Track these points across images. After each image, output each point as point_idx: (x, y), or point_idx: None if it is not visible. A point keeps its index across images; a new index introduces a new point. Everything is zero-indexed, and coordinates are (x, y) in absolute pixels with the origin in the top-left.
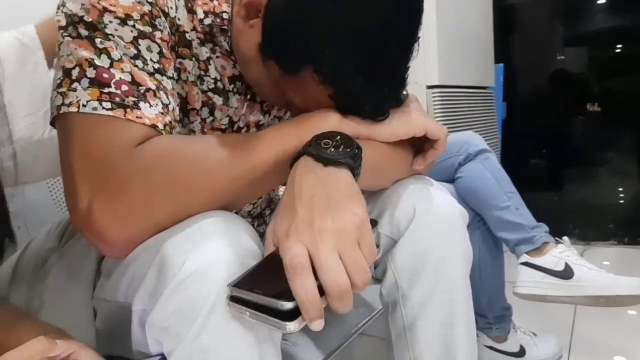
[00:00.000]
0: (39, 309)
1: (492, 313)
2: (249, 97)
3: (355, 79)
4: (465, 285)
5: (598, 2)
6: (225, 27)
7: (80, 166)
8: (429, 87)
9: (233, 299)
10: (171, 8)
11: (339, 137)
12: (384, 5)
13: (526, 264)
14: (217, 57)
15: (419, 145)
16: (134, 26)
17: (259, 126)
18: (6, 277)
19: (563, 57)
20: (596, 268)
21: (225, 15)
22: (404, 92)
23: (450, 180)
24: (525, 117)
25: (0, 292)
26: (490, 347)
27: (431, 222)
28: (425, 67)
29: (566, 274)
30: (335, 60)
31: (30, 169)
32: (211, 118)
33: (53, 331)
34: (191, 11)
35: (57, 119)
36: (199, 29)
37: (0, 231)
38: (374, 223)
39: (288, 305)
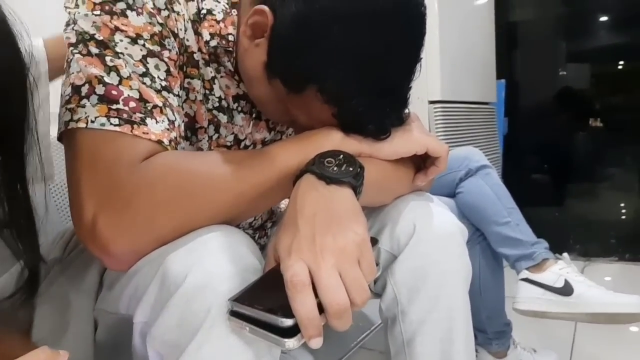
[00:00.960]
0: (40, 319)
1: (492, 328)
2: (254, 115)
3: (359, 99)
4: (465, 301)
5: (600, 19)
6: (230, 49)
7: (87, 180)
8: (431, 102)
9: (233, 313)
10: (180, 29)
11: (341, 155)
12: (388, 27)
13: (526, 280)
14: (221, 76)
15: (420, 161)
16: (143, 45)
17: (264, 143)
18: (9, 286)
19: (565, 73)
20: (596, 285)
21: (230, 38)
22: (406, 111)
23: (451, 195)
24: (527, 132)
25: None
26: None
27: (431, 239)
28: (428, 83)
29: (566, 290)
30: (339, 80)
31: None
32: (217, 135)
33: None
34: (197, 33)
35: (65, 135)
36: (205, 50)
37: (33, 257)
38: (374, 242)
39: (288, 322)
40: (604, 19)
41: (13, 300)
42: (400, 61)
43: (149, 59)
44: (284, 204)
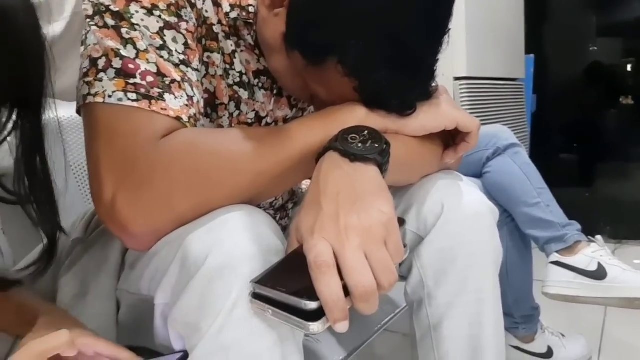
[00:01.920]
0: (62, 299)
1: (519, 312)
2: (275, 92)
3: (381, 71)
4: (495, 284)
5: None
6: (250, 20)
7: (105, 157)
8: (457, 78)
9: (256, 296)
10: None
11: (366, 131)
12: None
13: (557, 263)
14: (241, 50)
15: (449, 138)
16: (160, 17)
17: (286, 121)
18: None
19: (596, 48)
20: (631, 269)
21: (251, 9)
22: (433, 84)
23: (478, 175)
24: (556, 110)
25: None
26: (517, 348)
27: (460, 219)
28: (453, 58)
29: (599, 274)
30: (360, 51)
31: None
32: (237, 112)
33: (71, 322)
34: (217, 4)
35: (83, 108)
36: (224, 22)
37: (52, 226)
38: (401, 222)
39: (312, 305)
40: None
41: (33, 270)
42: (426, 31)
43: (166, 31)
44: (305, 184)
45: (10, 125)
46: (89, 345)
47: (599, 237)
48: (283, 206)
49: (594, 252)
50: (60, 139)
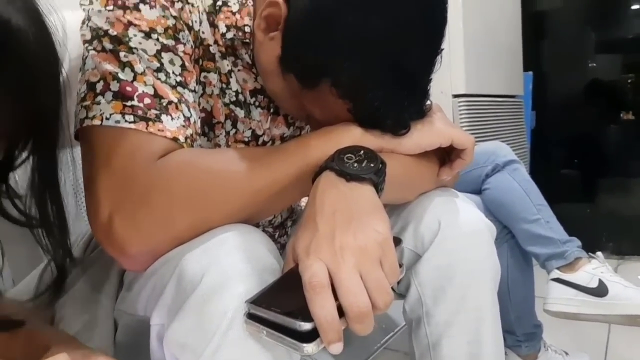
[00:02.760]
0: (60, 320)
1: (521, 330)
2: (272, 110)
3: (374, 93)
4: (493, 302)
5: (632, 7)
6: (247, 40)
7: (102, 178)
8: (455, 96)
9: (250, 316)
10: (195, 22)
11: (362, 151)
12: (406, 17)
13: (557, 280)
14: (238, 70)
15: (445, 155)
16: (157, 39)
17: (283, 139)
18: (32, 287)
19: (595, 65)
20: (632, 285)
21: (247, 29)
22: (428, 102)
23: (477, 191)
24: (556, 126)
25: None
26: None
27: (457, 236)
28: (452, 76)
29: (600, 291)
30: (353, 73)
31: None
32: (234, 130)
33: (70, 342)
34: (213, 25)
35: (81, 132)
36: (221, 43)
37: (62, 255)
38: (397, 241)
39: (306, 326)
40: (635, 7)
41: (40, 300)
42: (418, 52)
43: (163, 54)
44: (304, 202)
45: (24, 154)
46: None
47: (599, 253)
48: (282, 224)
49: (595, 268)
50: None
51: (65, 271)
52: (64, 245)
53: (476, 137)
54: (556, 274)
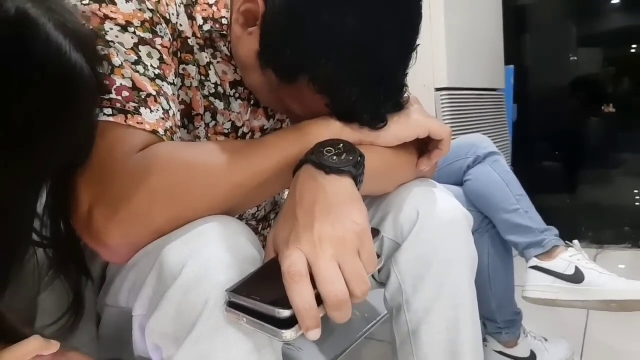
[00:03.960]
0: (43, 314)
1: (502, 318)
2: (252, 102)
3: (351, 88)
4: (471, 289)
5: (612, 1)
6: (225, 32)
7: (81, 172)
8: (438, 89)
9: (231, 304)
10: (172, 14)
11: (341, 144)
12: (381, 14)
13: (536, 267)
14: (218, 62)
15: (423, 147)
16: (134, 33)
17: (263, 131)
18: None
19: (576, 58)
20: (607, 272)
21: (224, 21)
22: (405, 95)
23: (459, 183)
24: (537, 119)
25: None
26: (500, 353)
27: (435, 226)
28: (434, 70)
29: (576, 278)
30: (331, 69)
31: None
32: (214, 122)
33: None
34: (191, 17)
35: None
36: (199, 35)
37: (77, 281)
38: (375, 232)
39: (285, 313)
40: (615, 1)
41: (59, 324)
42: (393, 48)
43: (141, 47)
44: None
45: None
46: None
47: (576, 242)
48: (265, 217)
49: (572, 256)
50: None
51: (82, 296)
52: (79, 270)
53: (458, 130)
54: (534, 262)
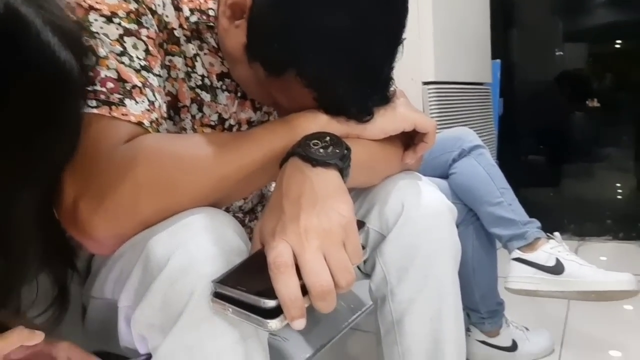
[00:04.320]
0: (28, 306)
1: (485, 308)
2: (239, 94)
3: (338, 82)
4: (454, 280)
5: None
6: (211, 24)
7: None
8: (425, 83)
9: (217, 295)
10: (158, 5)
11: (328, 137)
12: (367, 8)
13: (518, 259)
14: (204, 54)
15: (409, 140)
16: (119, 24)
17: (250, 124)
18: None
19: (562, 53)
20: (587, 264)
21: (211, 12)
22: (392, 88)
23: (445, 176)
24: (523, 113)
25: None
26: (483, 342)
27: (419, 218)
28: (421, 64)
29: (557, 269)
30: (318, 63)
31: None
32: (200, 114)
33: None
34: (177, 8)
35: None
36: (185, 26)
37: (62, 274)
38: (361, 225)
39: (270, 303)
40: None
41: (45, 317)
42: (380, 42)
43: (126, 38)
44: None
45: None
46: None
47: (557, 234)
48: (252, 209)
49: (552, 248)
50: None
51: (66, 289)
52: (65, 260)
53: (445, 124)
54: (517, 253)
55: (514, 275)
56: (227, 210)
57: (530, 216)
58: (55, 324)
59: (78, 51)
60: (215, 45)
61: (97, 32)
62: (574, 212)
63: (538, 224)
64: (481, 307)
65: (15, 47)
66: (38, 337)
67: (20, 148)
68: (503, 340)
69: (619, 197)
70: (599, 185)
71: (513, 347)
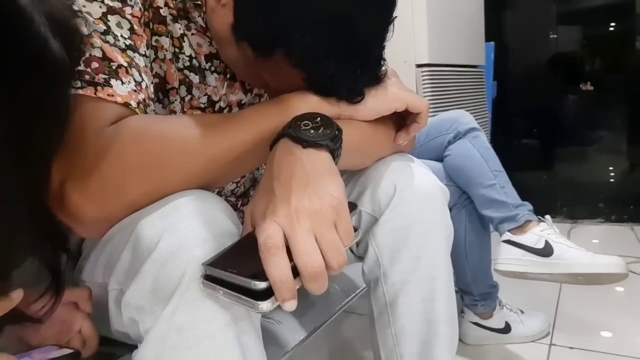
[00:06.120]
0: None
1: (477, 290)
2: (228, 76)
3: (327, 62)
4: (446, 261)
5: None
6: (199, 2)
7: None
8: (419, 65)
9: (207, 277)
10: None
11: (319, 118)
12: None
13: (508, 241)
14: (192, 34)
15: (401, 121)
16: (102, 2)
17: (241, 106)
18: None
19: (555, 36)
20: (576, 246)
21: None
22: (383, 68)
23: (440, 159)
24: (517, 96)
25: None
26: (476, 324)
27: (412, 200)
28: (415, 46)
29: (546, 251)
30: (306, 43)
31: None
32: (189, 96)
33: None
34: None
35: None
36: (172, 5)
37: (56, 261)
38: (352, 206)
39: (261, 285)
40: None
41: (41, 306)
42: (370, 21)
43: (109, 17)
44: None
45: None
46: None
47: (547, 216)
48: (244, 193)
49: (542, 230)
50: None
51: (60, 276)
52: (56, 245)
53: (439, 107)
54: (507, 236)
55: (503, 257)
56: (219, 193)
57: (523, 199)
58: (51, 310)
59: (70, 38)
60: (204, 25)
61: (79, 11)
62: (566, 195)
63: (530, 206)
64: (474, 289)
65: (12, 35)
66: (15, 299)
67: (10, 139)
68: (496, 322)
69: (612, 180)
70: (592, 168)
71: (506, 329)
